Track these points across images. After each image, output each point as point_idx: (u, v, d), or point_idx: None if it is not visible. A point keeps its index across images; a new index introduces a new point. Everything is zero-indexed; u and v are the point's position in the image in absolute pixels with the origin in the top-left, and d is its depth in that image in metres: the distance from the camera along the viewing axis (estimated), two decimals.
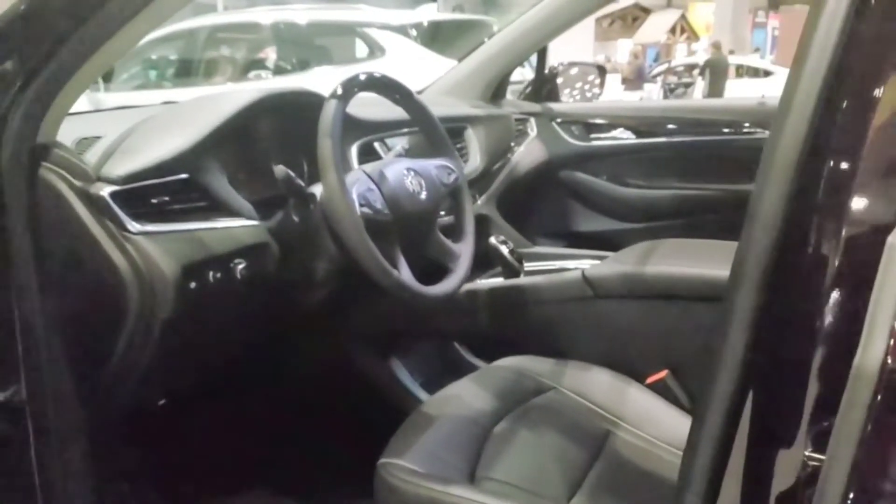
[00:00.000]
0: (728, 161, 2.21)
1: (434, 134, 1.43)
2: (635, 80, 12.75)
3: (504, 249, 1.60)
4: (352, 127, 1.54)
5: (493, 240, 1.61)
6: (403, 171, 1.28)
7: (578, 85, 2.62)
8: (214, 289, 1.17)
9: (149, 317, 1.10)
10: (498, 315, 1.60)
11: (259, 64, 6.21)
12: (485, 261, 1.67)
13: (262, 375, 1.62)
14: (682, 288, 1.38)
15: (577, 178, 2.40)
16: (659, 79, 13.54)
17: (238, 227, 1.24)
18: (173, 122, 1.31)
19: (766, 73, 12.93)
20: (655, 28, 21.37)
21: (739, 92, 11.85)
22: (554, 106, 2.48)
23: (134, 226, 1.09)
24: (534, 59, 2.52)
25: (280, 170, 1.19)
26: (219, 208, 1.24)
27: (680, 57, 17.18)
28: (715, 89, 11.24)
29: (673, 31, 21.63)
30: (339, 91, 1.20)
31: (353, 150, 1.52)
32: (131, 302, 1.08)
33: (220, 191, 1.25)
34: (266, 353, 1.57)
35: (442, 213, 1.47)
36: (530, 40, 2.22)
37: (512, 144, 2.24)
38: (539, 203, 2.41)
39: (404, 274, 1.21)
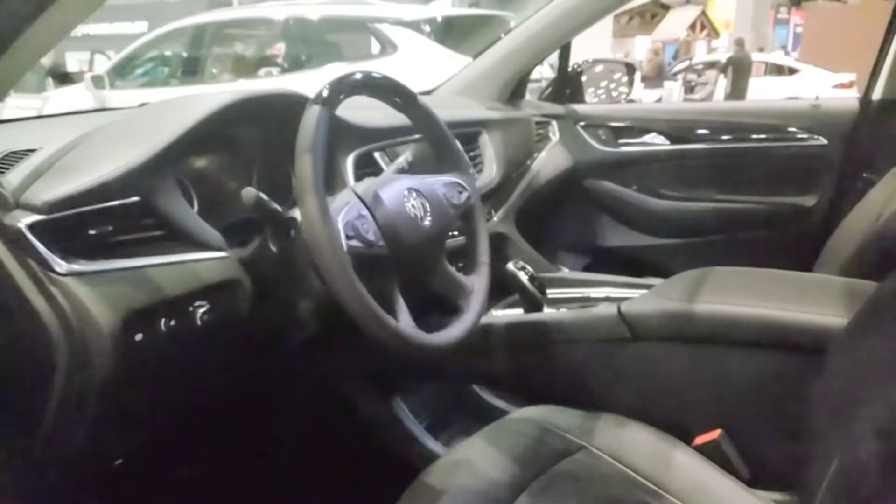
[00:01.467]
0: (777, 170, 1.96)
1: (442, 144, 1.20)
2: (655, 77, 12.43)
3: (524, 277, 1.37)
4: (346, 135, 1.31)
5: (511, 266, 1.38)
6: (403, 193, 1.05)
7: (604, 84, 2.38)
8: (167, 339, 0.95)
9: (82, 377, 0.88)
10: (517, 355, 1.37)
11: (269, 61, 6.00)
12: (501, 285, 1.43)
13: (236, 422, 1.40)
14: (742, 331, 1.14)
15: (605, 187, 2.16)
16: (679, 76, 13.21)
17: (201, 260, 1.02)
18: (128, 133, 1.09)
19: (792, 71, 12.57)
20: (675, 25, 21.06)
21: (764, 90, 11.52)
22: (578, 107, 2.24)
23: (62, 265, 0.87)
24: (553, 56, 2.29)
25: (248, 193, 0.96)
26: (178, 238, 1.02)
27: (700, 54, 16.85)
28: (737, 88, 10.93)
29: (693, 27, 21.35)
30: (325, 94, 0.98)
31: (349, 163, 1.29)
32: (59, 359, 0.86)
33: (180, 216, 1.02)
34: (240, 398, 1.34)
35: (453, 232, 1.25)
36: (552, 36, 1.99)
37: (532, 151, 2.00)
38: (561, 215, 2.18)
39: (403, 321, 0.98)
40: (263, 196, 0.97)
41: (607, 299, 1.53)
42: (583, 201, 2.17)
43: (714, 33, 20.79)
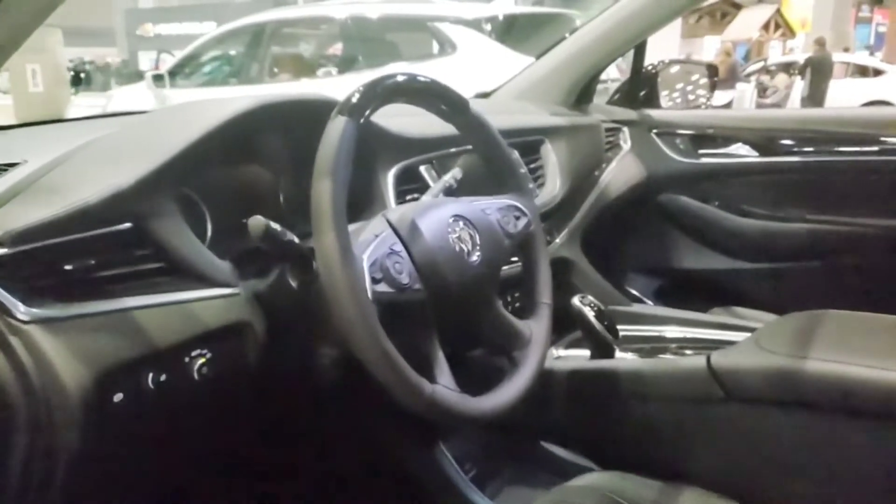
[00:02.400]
0: (885, 188, 1.70)
1: (497, 160, 1.00)
2: (727, 79, 11.94)
3: (591, 315, 1.16)
4: (386, 146, 1.13)
5: (576, 301, 1.17)
6: (447, 221, 0.86)
7: (680, 86, 2.15)
8: (155, 398, 0.78)
9: (46, 447, 0.71)
10: (582, 408, 1.17)
11: (328, 60, 5.90)
12: (563, 319, 1.23)
13: (251, 476, 1.22)
14: (869, 398, 0.92)
15: (682, 203, 1.93)
16: (753, 78, 12.68)
17: (204, 299, 0.85)
18: (127, 144, 0.93)
19: (877, 73, 11.91)
20: (747, 24, 20.42)
21: (846, 93, 10.95)
22: (653, 113, 2.01)
23: (23, 310, 0.70)
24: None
25: (256, 223, 0.78)
26: (178, 271, 0.85)
27: (774, 55, 16.21)
28: (817, 90, 10.41)
29: (766, 27, 20.70)
30: (354, 101, 0.79)
31: (390, 180, 1.11)
32: (17, 428, 0.70)
33: (180, 245, 0.85)
34: (253, 451, 1.17)
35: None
36: (625, 34, 1.77)
37: (601, 161, 1.79)
38: (632, 234, 1.96)
39: (443, 382, 0.79)
40: (274, 226, 0.79)
41: (688, 341, 1.32)
42: (657, 218, 1.95)
43: (789, 33, 20.10)
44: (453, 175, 1.04)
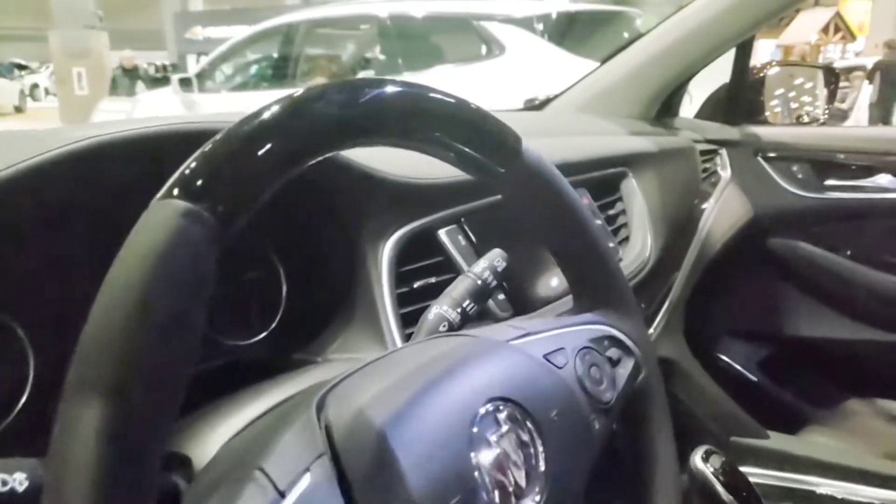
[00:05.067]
0: None
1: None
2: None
3: (718, 485, 0.70)
4: (375, 198, 0.69)
5: (698, 462, 0.71)
6: (473, 417, 0.40)
7: (781, 94, 1.67)
8: None
9: None
10: None
11: (366, 63, 5.49)
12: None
13: None
14: None
15: (802, 251, 1.46)
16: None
17: None
18: None
19: None
20: (804, 27, 19.68)
21: None
22: (760, 130, 1.55)
23: None
24: None
25: None
26: None
27: (832, 59, 15.48)
28: (886, 96, 9.73)
29: (825, 30, 19.97)
30: (189, 178, 0.32)
31: (385, 260, 0.67)
32: None
33: None
34: None
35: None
36: (726, 29, 1.32)
37: (699, 199, 1.33)
38: (733, 287, 1.49)
39: None
40: None
41: None
42: (767, 269, 1.48)
43: (849, 36, 19.36)
44: (492, 263, 0.60)
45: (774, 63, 1.70)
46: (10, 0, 22.66)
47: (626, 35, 4.40)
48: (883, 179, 1.43)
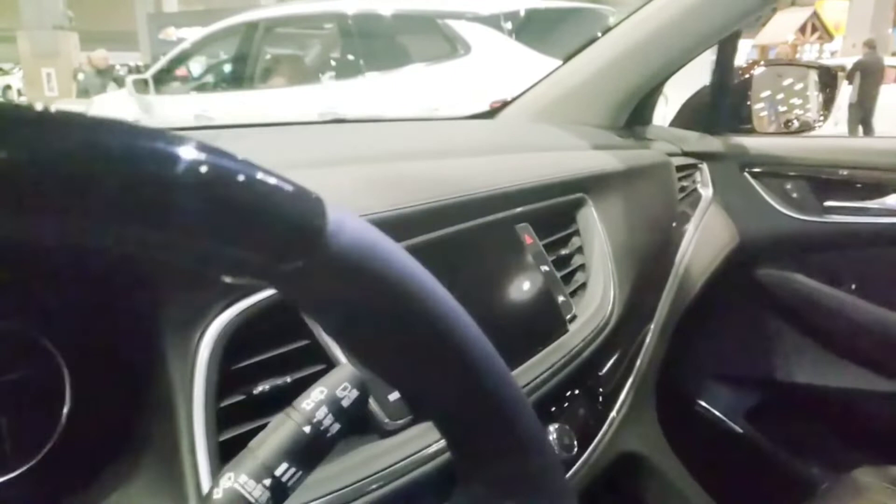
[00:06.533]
0: None
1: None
2: None
3: None
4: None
5: None
6: None
7: (769, 96, 1.45)
8: None
9: None
10: None
11: (327, 64, 5.22)
12: None
13: None
14: None
15: (795, 283, 1.24)
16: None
17: None
18: None
19: None
20: (781, 27, 19.85)
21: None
22: (746, 141, 1.33)
23: None
24: None
25: None
26: None
27: (809, 59, 15.52)
28: (866, 96, 9.67)
29: (802, 30, 20.14)
30: None
31: (203, 349, 0.43)
32: None
33: None
34: None
35: None
36: (704, 25, 1.10)
37: (676, 225, 1.11)
38: (715, 323, 1.27)
39: None
40: None
41: None
42: (755, 305, 1.26)
43: (827, 36, 19.50)
44: (332, 392, 0.36)
45: (762, 63, 1.49)
46: None
47: (599, 34, 4.19)
48: (892, 200, 1.21)
